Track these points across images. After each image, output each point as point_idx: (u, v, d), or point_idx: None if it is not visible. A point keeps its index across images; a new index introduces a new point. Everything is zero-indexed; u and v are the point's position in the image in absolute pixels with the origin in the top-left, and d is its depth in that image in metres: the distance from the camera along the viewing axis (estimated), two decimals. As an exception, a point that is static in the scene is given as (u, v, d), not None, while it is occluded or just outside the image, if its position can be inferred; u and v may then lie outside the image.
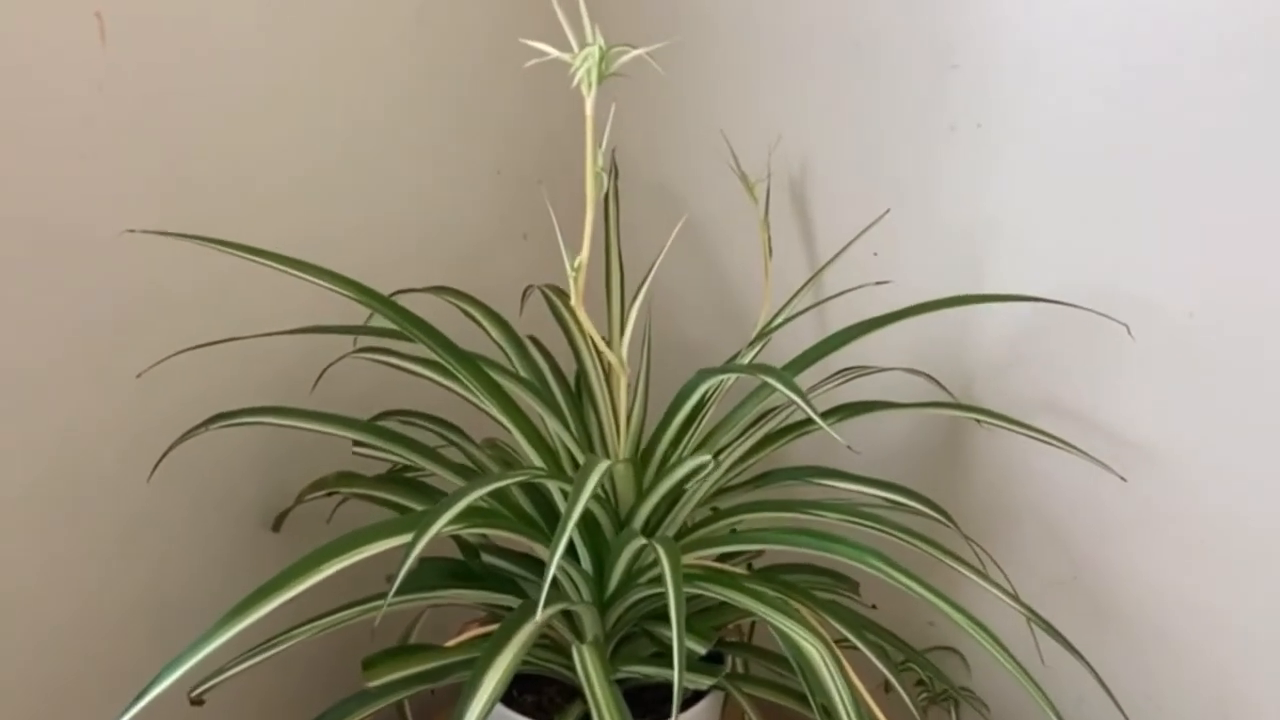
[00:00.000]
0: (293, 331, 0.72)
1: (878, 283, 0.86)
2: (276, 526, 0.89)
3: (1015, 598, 0.69)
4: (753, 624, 0.91)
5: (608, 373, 0.84)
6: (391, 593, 0.57)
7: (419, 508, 0.82)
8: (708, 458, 0.65)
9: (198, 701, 0.66)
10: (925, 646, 0.96)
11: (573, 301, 0.59)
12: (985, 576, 0.68)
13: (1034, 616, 0.69)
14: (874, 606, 0.89)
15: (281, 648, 0.66)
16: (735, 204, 0.93)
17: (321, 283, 0.69)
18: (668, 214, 1.03)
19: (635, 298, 0.69)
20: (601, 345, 0.65)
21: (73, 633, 0.76)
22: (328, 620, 0.68)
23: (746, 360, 0.81)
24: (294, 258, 0.67)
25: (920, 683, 0.96)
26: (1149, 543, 0.83)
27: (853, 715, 0.63)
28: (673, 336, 0.96)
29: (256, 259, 0.67)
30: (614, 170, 0.92)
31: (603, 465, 0.63)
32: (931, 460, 0.92)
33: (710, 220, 1.00)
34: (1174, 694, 0.85)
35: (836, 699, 0.63)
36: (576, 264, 0.56)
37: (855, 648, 0.74)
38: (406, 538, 0.60)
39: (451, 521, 0.61)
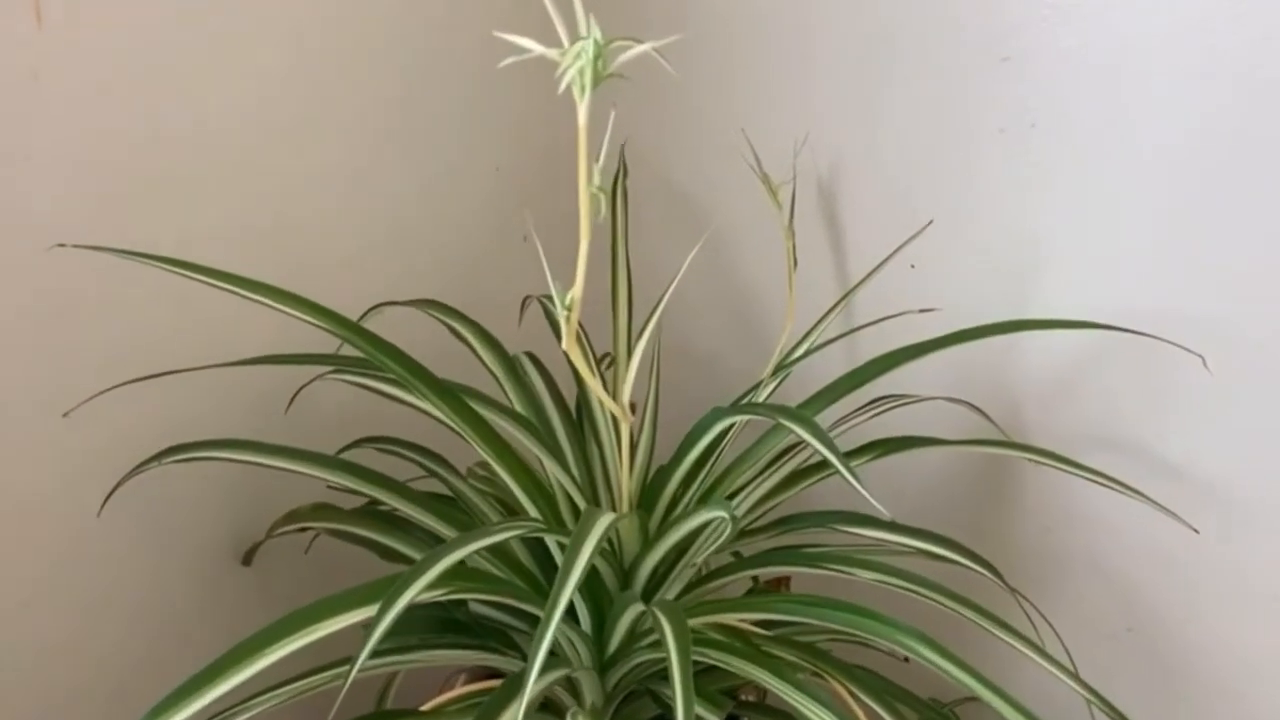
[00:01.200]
0: (248, 362, 0.64)
1: (921, 310, 0.76)
2: (247, 560, 0.81)
3: (1075, 675, 0.60)
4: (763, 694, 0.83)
5: (612, 392, 0.76)
6: (354, 670, 0.48)
7: (398, 546, 0.73)
8: (721, 513, 0.56)
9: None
10: (959, 697, 0.87)
11: (564, 344, 0.50)
12: (1042, 652, 0.59)
13: (1096, 697, 0.60)
14: (906, 659, 0.81)
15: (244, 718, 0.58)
16: (757, 209, 0.84)
17: (282, 308, 0.60)
18: (682, 218, 0.94)
19: (644, 330, 0.60)
20: (603, 395, 0.56)
21: (13, 686, 0.68)
22: (285, 690, 0.59)
23: (767, 392, 0.72)
24: (251, 279, 0.59)
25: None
26: (1219, 596, 0.75)
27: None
28: (685, 354, 0.87)
29: (206, 280, 0.58)
30: (622, 169, 0.83)
31: (605, 520, 0.54)
32: (974, 501, 0.83)
33: (729, 227, 0.90)
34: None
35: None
36: (568, 301, 0.47)
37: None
38: (372, 609, 0.51)
39: (428, 588, 0.52)
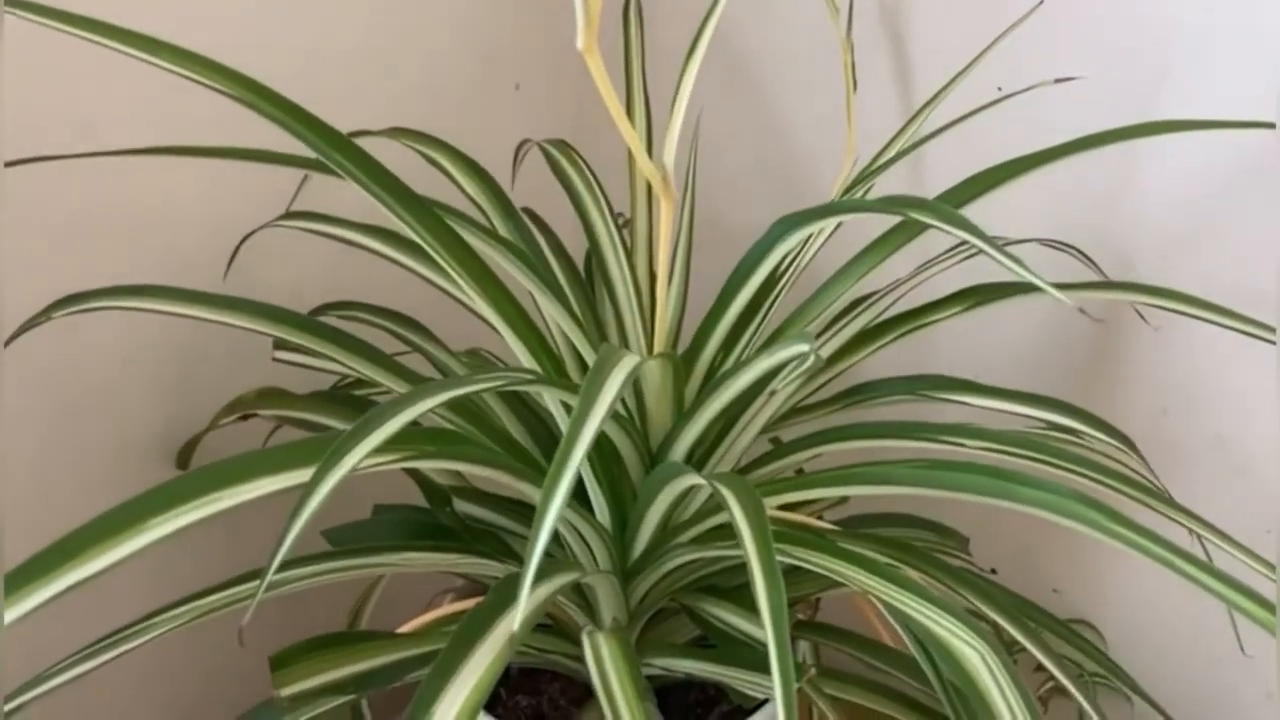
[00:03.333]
0: (164, 151, 0.47)
1: (1049, 81, 0.60)
2: (183, 462, 0.66)
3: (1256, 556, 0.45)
4: (818, 598, 0.68)
5: (629, 250, 0.60)
6: (273, 567, 0.33)
7: None
8: (804, 345, 0.40)
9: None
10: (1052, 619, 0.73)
11: (580, 43, 0.35)
12: (1221, 533, 0.44)
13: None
14: (994, 571, 0.66)
15: (133, 645, 0.43)
16: (802, 25, 0.69)
17: (231, 90, 0.44)
18: (710, 42, 0.78)
19: (681, 84, 0.44)
20: (640, 153, 0.41)
21: None
22: (189, 608, 0.44)
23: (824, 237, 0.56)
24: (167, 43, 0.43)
25: (1040, 667, 0.73)
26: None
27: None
28: (717, 226, 0.71)
29: (109, 42, 0.42)
30: (637, -15, 0.67)
31: (630, 360, 0.39)
32: (1075, 376, 0.68)
33: (768, 53, 0.74)
34: None
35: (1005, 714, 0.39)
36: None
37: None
38: (305, 474, 0.36)
39: (385, 448, 0.37)
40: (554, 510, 0.31)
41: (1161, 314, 0.63)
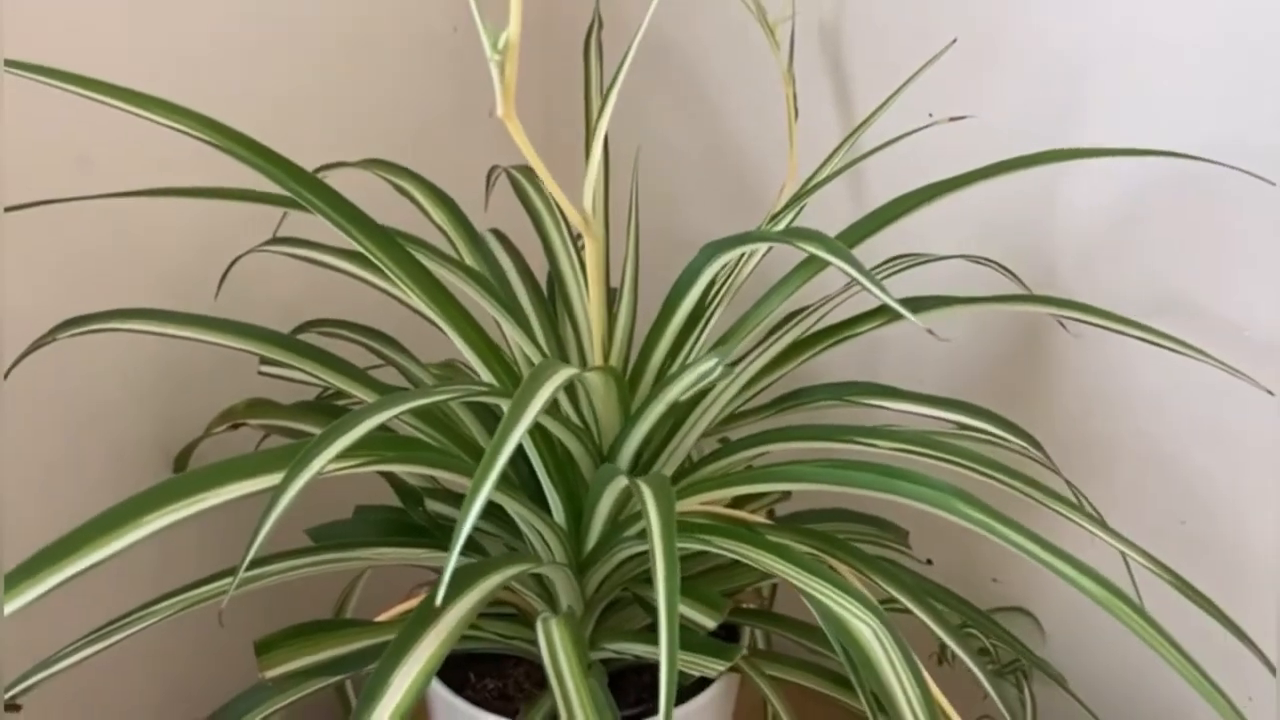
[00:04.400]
0: (159, 192, 0.53)
1: (942, 119, 0.65)
2: (180, 467, 0.71)
3: (1146, 554, 0.50)
4: (774, 585, 0.73)
5: (585, 267, 0.66)
6: (247, 559, 0.38)
7: None
8: (714, 361, 0.46)
9: (12, 707, 0.48)
10: (989, 608, 0.78)
11: (499, 110, 0.40)
12: (1102, 524, 0.49)
13: (1174, 578, 0.50)
14: (929, 562, 0.71)
15: (127, 634, 0.48)
16: (749, 58, 0.74)
17: (208, 137, 0.49)
18: (666, 74, 0.83)
19: (594, 130, 0.49)
20: (560, 196, 0.46)
21: None
22: (176, 600, 0.49)
23: (763, 250, 0.61)
24: (169, 101, 0.48)
25: (984, 651, 0.78)
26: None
27: (919, 710, 0.45)
28: (669, 236, 0.76)
29: (110, 100, 0.47)
30: (597, 21, 0.73)
31: (564, 372, 0.44)
32: (1002, 381, 0.73)
33: (718, 81, 0.80)
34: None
35: (897, 689, 0.44)
36: (500, 44, 0.37)
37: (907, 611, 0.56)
38: (276, 478, 0.41)
39: (351, 452, 0.42)
40: (480, 500, 0.37)
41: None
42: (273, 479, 0.42)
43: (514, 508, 0.54)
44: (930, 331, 0.62)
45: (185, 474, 0.41)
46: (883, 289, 0.39)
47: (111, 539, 0.38)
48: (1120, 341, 0.64)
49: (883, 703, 0.46)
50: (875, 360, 0.77)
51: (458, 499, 0.63)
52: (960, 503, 0.44)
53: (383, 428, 0.43)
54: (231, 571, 0.52)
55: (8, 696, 0.48)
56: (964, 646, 0.57)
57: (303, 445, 0.41)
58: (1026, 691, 0.78)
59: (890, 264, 0.65)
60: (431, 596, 0.47)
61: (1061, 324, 0.68)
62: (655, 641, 0.59)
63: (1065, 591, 0.75)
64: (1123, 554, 0.48)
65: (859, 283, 0.40)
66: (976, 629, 0.74)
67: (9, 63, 0.46)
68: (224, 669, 0.70)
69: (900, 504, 0.49)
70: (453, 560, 0.36)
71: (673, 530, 0.40)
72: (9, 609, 0.35)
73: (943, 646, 0.70)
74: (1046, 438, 0.70)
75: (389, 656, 0.43)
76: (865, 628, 0.45)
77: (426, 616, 0.46)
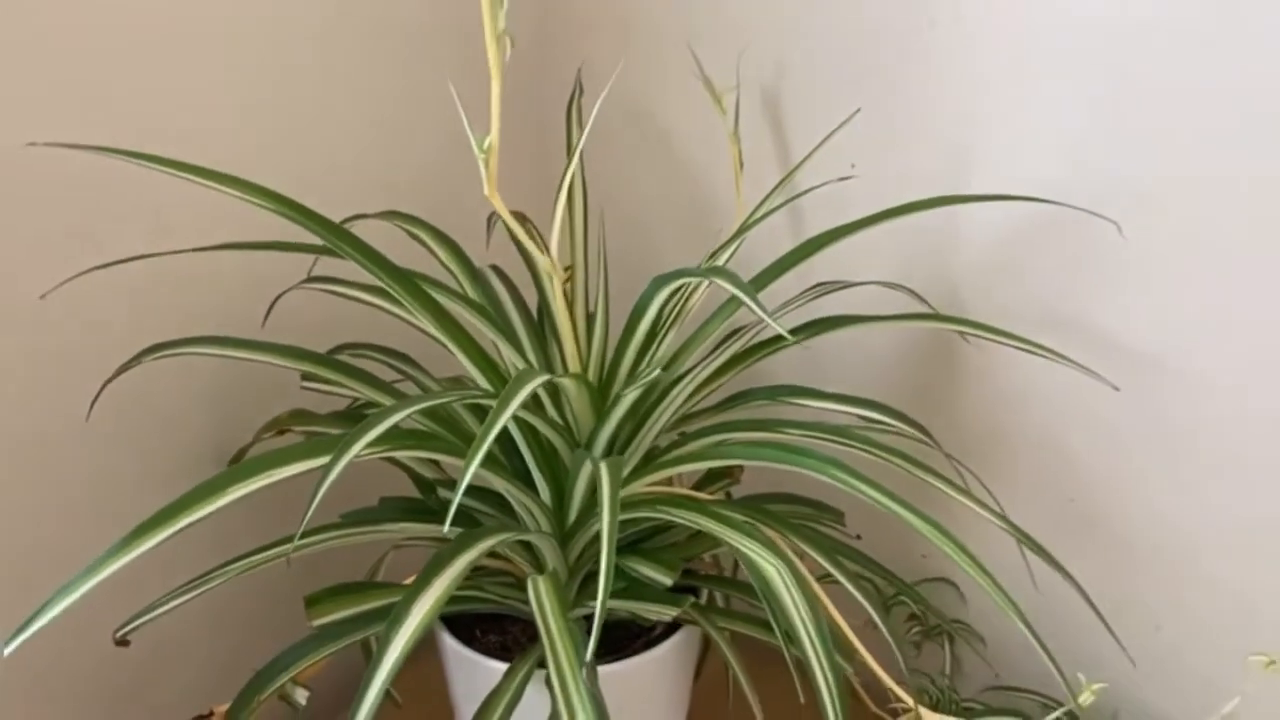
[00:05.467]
0: (223, 247, 0.67)
1: (842, 179, 0.80)
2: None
3: (1001, 516, 0.64)
4: (736, 561, 0.87)
5: (569, 301, 0.80)
6: (305, 520, 0.53)
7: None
8: (658, 372, 0.60)
9: (122, 643, 0.62)
10: (917, 579, 0.91)
11: (486, 191, 0.54)
12: (965, 492, 0.63)
13: (1017, 531, 0.64)
14: (858, 537, 0.85)
15: (211, 585, 0.62)
16: (707, 121, 0.88)
17: (260, 202, 0.64)
18: (639, 134, 0.98)
19: (560, 187, 0.63)
20: (523, 237, 0.61)
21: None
22: (255, 559, 0.64)
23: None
24: (228, 174, 0.63)
25: (913, 617, 0.92)
26: (1150, 462, 0.78)
27: (815, 639, 0.59)
28: (644, 264, 0.90)
29: (184, 175, 0.61)
30: (578, 89, 0.87)
31: (539, 377, 0.58)
32: (919, 384, 0.87)
33: (683, 138, 0.94)
34: (1175, 615, 0.80)
35: (797, 622, 0.58)
36: (485, 146, 0.51)
37: (839, 584, 0.69)
38: (325, 459, 0.55)
39: (378, 441, 0.57)
40: (470, 471, 0.51)
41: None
42: (323, 460, 0.56)
43: (506, 487, 0.67)
44: (799, 342, 0.74)
45: (261, 456, 0.55)
46: (765, 311, 0.52)
47: (212, 501, 0.52)
48: (1011, 350, 0.78)
49: (790, 633, 0.59)
50: (817, 367, 0.91)
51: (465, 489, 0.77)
52: (834, 469, 0.58)
53: (402, 425, 0.57)
54: (284, 541, 0.66)
55: (117, 635, 0.62)
56: (892, 613, 0.71)
57: (345, 435, 0.55)
58: (948, 651, 0.91)
59: (818, 288, 0.79)
60: (443, 552, 0.61)
61: (964, 337, 0.82)
62: (625, 596, 0.73)
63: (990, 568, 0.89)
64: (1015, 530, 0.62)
65: (749, 308, 0.54)
66: (907, 597, 0.88)
67: (109, 149, 0.61)
68: (269, 632, 0.84)
69: (839, 491, 0.62)
70: (456, 499, 0.49)
71: (617, 495, 0.54)
72: (146, 548, 0.49)
73: (882, 605, 0.85)
74: (957, 432, 0.85)
75: (410, 592, 0.57)
76: (772, 568, 0.58)
77: (438, 564, 0.59)
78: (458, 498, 0.50)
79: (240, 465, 0.54)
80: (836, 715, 0.56)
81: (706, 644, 0.90)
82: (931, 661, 0.91)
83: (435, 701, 0.85)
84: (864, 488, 0.58)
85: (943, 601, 0.92)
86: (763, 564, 0.59)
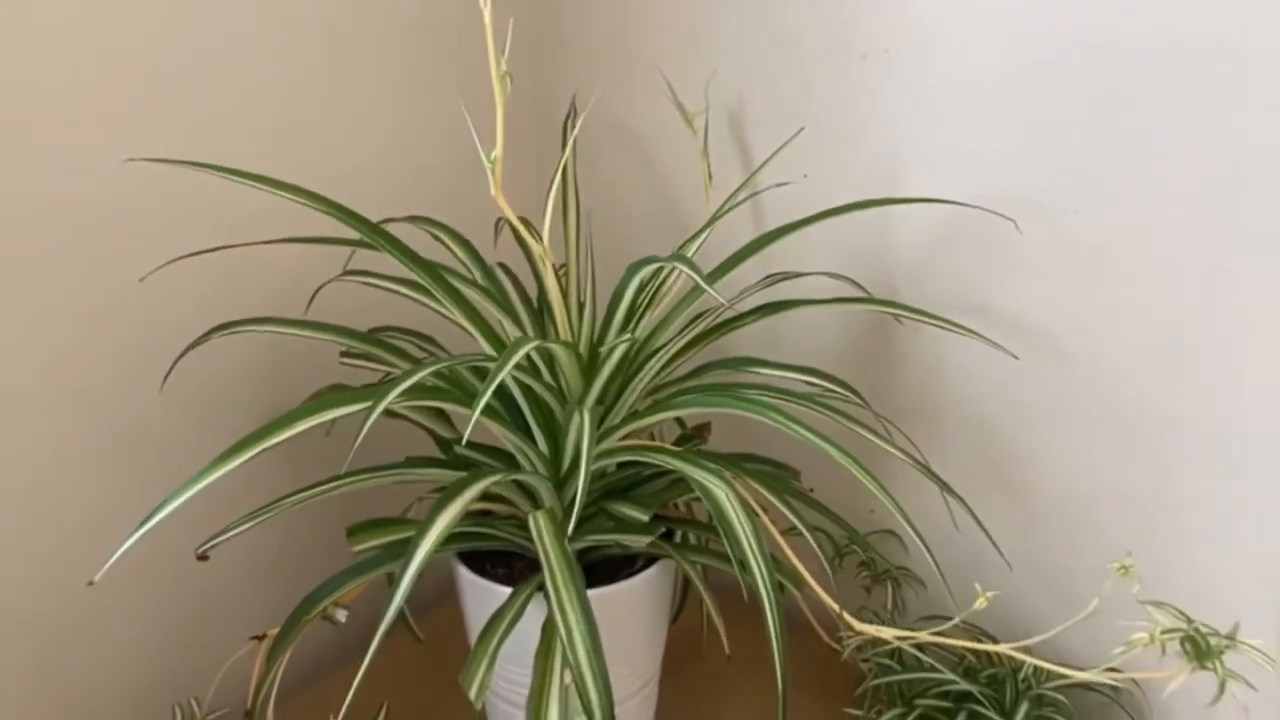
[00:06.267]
0: (284, 240, 0.83)
1: (780, 184, 0.95)
2: (279, 437, 1.01)
3: (923, 465, 0.78)
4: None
5: (564, 290, 0.95)
6: (354, 448, 0.68)
7: (416, 418, 0.93)
8: (631, 336, 0.75)
9: (203, 557, 0.77)
10: (866, 532, 1.06)
11: (492, 191, 0.70)
12: (888, 440, 0.78)
13: (932, 475, 0.79)
14: (811, 490, 1.00)
15: (276, 511, 0.77)
16: (684, 139, 1.04)
17: (315, 206, 0.79)
18: (625, 150, 1.13)
19: (551, 185, 0.79)
20: (521, 229, 0.76)
21: (65, 543, 0.88)
22: (315, 490, 0.79)
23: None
24: (297, 185, 0.78)
25: (862, 564, 1.07)
26: (1055, 425, 0.93)
27: (757, 552, 0.73)
28: (628, 260, 1.06)
29: (263, 187, 0.76)
30: (573, 111, 1.03)
31: (534, 341, 0.74)
32: (860, 361, 1.02)
33: (662, 154, 1.10)
34: (1067, 561, 0.94)
35: (740, 534, 0.73)
36: (493, 157, 0.66)
37: (800, 536, 0.84)
38: (367, 403, 0.71)
39: (407, 392, 0.72)
40: (483, 402, 0.66)
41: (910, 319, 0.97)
42: (365, 404, 0.71)
43: (510, 437, 0.83)
44: (729, 305, 0.90)
45: (318, 400, 0.70)
46: (701, 277, 0.67)
47: (281, 432, 0.67)
48: (938, 331, 0.93)
49: (736, 550, 0.74)
50: (774, 346, 1.06)
51: (473, 445, 0.92)
52: (774, 413, 0.73)
53: (424, 383, 0.73)
54: (324, 482, 0.81)
55: (199, 550, 0.77)
56: (845, 561, 0.86)
57: (382, 385, 0.70)
58: (890, 592, 1.06)
59: (773, 277, 0.94)
60: (455, 483, 0.76)
61: (897, 319, 0.97)
62: (609, 530, 0.88)
63: (922, 518, 1.03)
64: (919, 461, 0.77)
65: (699, 284, 0.69)
66: (858, 546, 1.03)
67: (198, 163, 0.76)
68: (312, 570, 0.99)
69: (793, 451, 0.77)
70: (472, 421, 0.65)
71: (594, 433, 0.69)
72: (232, 466, 0.65)
73: (836, 554, 1.00)
74: (893, 400, 1.00)
75: (434, 508, 0.72)
76: (720, 491, 0.73)
77: (455, 491, 0.75)
78: (476, 414, 0.65)
79: (302, 406, 0.70)
80: (773, 613, 0.71)
81: (685, 593, 1.06)
82: (879, 603, 1.06)
83: (450, 645, 1.00)
84: (796, 428, 0.73)
85: (888, 551, 1.07)
86: (713, 488, 0.74)
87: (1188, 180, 0.80)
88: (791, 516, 0.83)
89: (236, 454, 0.65)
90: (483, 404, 0.66)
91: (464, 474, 0.80)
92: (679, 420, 0.98)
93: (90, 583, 0.66)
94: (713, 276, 0.89)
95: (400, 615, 0.97)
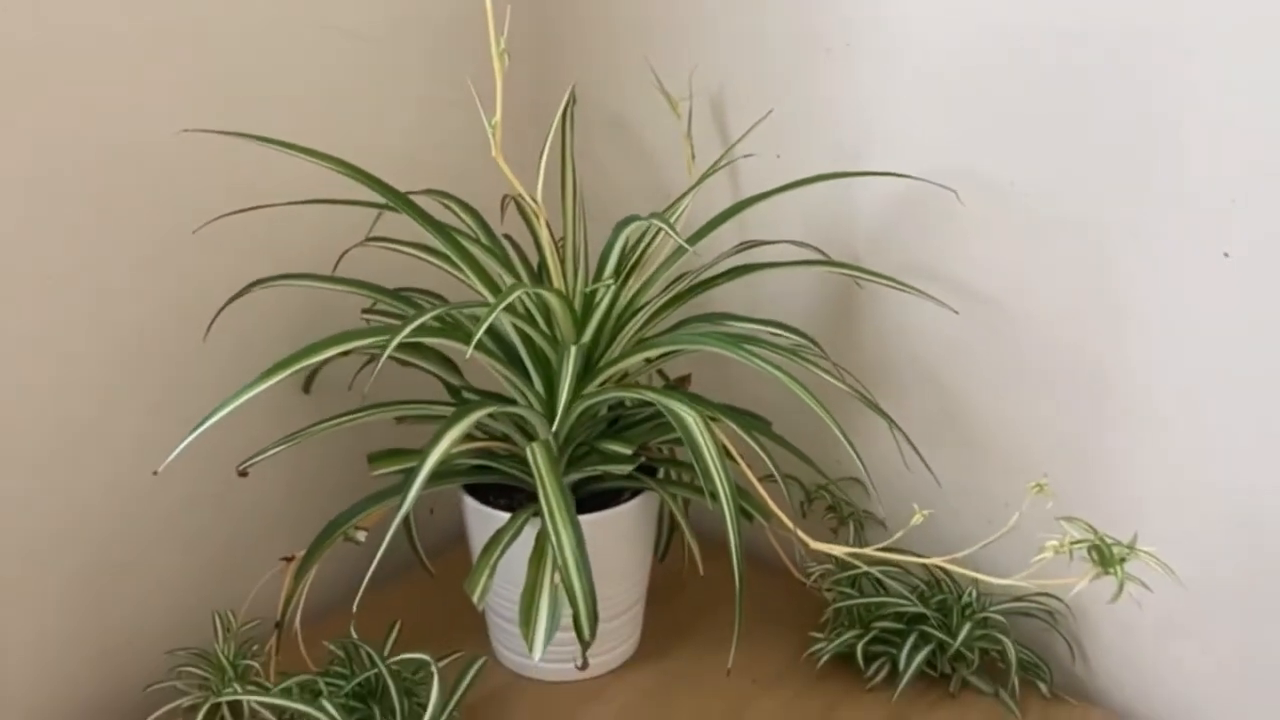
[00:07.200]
0: (319, 201, 0.95)
1: (749, 155, 1.09)
2: (306, 388, 1.13)
3: (869, 399, 0.90)
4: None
5: (561, 260, 1.07)
6: (375, 373, 0.80)
7: (428, 367, 1.05)
8: (613, 281, 0.87)
9: (243, 473, 0.89)
10: (836, 478, 1.17)
11: (493, 153, 0.82)
12: (839, 378, 0.89)
13: (881, 412, 0.90)
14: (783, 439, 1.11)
15: (307, 435, 0.90)
16: (667, 121, 1.16)
17: (350, 175, 0.91)
18: (618, 135, 1.25)
19: (543, 148, 0.91)
20: (519, 187, 0.87)
21: (115, 474, 0.99)
22: (342, 418, 0.91)
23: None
24: (330, 154, 0.90)
25: (829, 509, 1.18)
26: (1003, 378, 1.04)
27: (717, 465, 0.84)
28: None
29: (304, 156, 0.89)
30: (571, 99, 1.15)
31: (525, 287, 0.86)
32: (830, 323, 1.13)
33: (652, 138, 1.22)
34: (1007, 497, 1.06)
35: (707, 454, 0.84)
36: (493, 122, 0.79)
37: (774, 483, 0.95)
38: (384, 336, 0.83)
39: (418, 330, 0.84)
40: (478, 333, 0.77)
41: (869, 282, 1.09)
42: (383, 337, 0.83)
43: (506, 375, 0.94)
44: (695, 253, 1.02)
45: (338, 334, 0.82)
46: (673, 230, 0.80)
47: (315, 354, 0.80)
48: (895, 294, 1.05)
49: (702, 467, 0.85)
50: (755, 305, 1.18)
51: (478, 392, 1.03)
52: (742, 351, 0.85)
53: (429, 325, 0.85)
54: (351, 412, 0.93)
55: (240, 467, 0.89)
56: (813, 505, 0.98)
57: (397, 325, 0.82)
58: (853, 532, 1.16)
59: (746, 243, 1.06)
60: (459, 409, 0.88)
61: (857, 283, 1.09)
62: (597, 463, 0.99)
63: (883, 467, 1.14)
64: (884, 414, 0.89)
65: (673, 238, 0.80)
66: (827, 491, 1.15)
67: (249, 135, 0.89)
68: (336, 499, 1.11)
69: (767, 409, 0.88)
70: (472, 344, 0.76)
71: (578, 372, 0.81)
72: (273, 381, 0.77)
73: (805, 498, 1.11)
74: (857, 361, 1.11)
75: (443, 425, 0.84)
76: (689, 417, 0.85)
77: (458, 416, 0.87)
78: (479, 335, 0.77)
79: (331, 336, 0.82)
80: (732, 523, 0.83)
81: (671, 535, 1.17)
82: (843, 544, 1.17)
83: (459, 580, 1.11)
84: (765, 365, 0.84)
85: (852, 497, 1.18)
86: (683, 414, 0.86)
87: (1110, 149, 0.92)
88: (764, 456, 0.94)
89: (278, 371, 0.78)
90: (479, 337, 0.78)
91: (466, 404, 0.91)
92: (661, 373, 1.09)
93: (155, 472, 0.78)
94: (694, 239, 1.01)
95: (415, 554, 1.09)
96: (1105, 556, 0.83)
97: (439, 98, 1.20)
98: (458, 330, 0.95)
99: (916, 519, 0.88)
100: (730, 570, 0.82)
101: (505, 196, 1.18)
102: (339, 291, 1.01)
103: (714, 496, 0.83)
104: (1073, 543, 0.83)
